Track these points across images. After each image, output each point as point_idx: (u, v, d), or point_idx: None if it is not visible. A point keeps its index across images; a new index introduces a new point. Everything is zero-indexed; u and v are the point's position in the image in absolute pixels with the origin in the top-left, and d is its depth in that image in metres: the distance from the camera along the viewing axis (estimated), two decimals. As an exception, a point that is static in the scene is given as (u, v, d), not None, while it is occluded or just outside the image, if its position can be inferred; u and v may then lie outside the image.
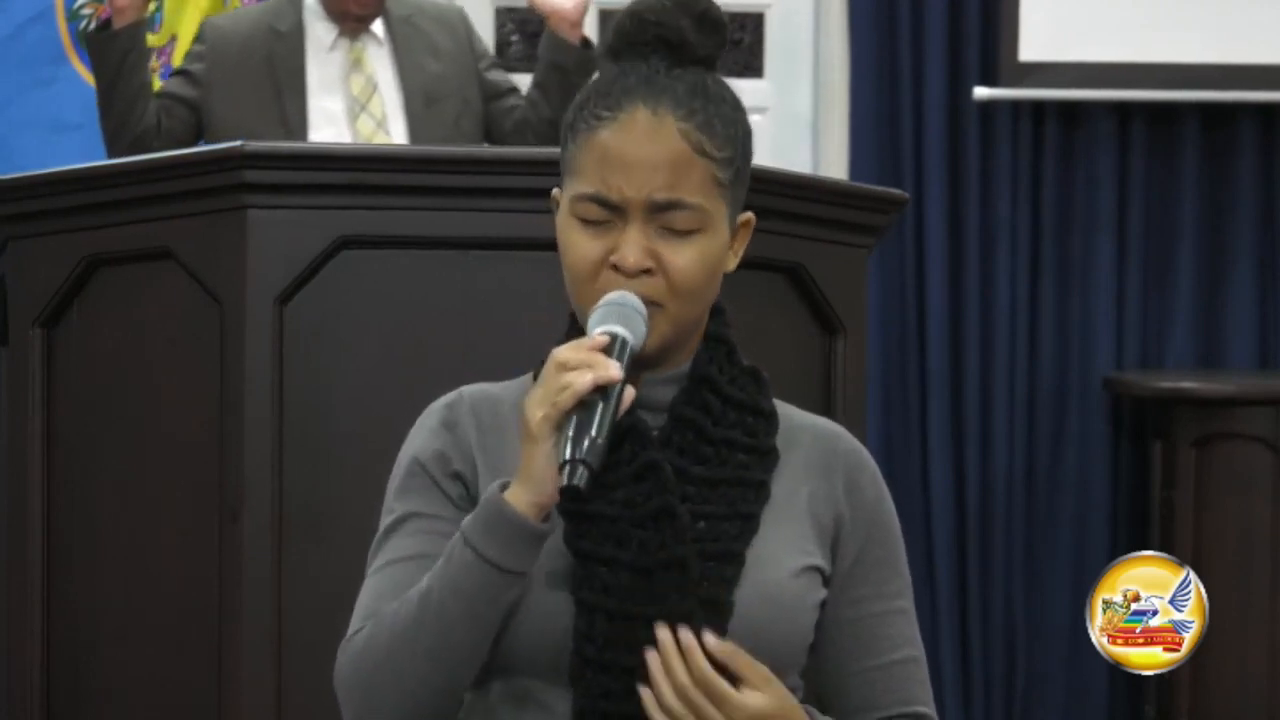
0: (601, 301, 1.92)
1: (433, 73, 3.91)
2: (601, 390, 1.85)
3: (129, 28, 3.78)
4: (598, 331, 1.89)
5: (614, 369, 1.85)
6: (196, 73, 3.90)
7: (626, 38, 2.00)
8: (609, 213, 1.94)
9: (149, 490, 2.78)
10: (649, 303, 1.93)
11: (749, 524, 1.95)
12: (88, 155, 4.00)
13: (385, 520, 1.99)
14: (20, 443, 2.89)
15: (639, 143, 1.94)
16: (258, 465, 2.66)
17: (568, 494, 1.83)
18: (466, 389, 2.03)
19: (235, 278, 2.69)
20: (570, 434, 1.83)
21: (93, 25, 4.55)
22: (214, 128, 3.85)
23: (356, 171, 2.74)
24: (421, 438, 1.99)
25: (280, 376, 2.68)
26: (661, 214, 1.93)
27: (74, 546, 2.86)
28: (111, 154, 3.83)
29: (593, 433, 1.83)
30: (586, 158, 1.95)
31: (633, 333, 1.90)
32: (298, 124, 3.83)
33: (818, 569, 1.98)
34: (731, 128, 1.97)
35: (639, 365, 1.91)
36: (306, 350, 2.69)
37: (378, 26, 3.93)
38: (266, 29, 3.90)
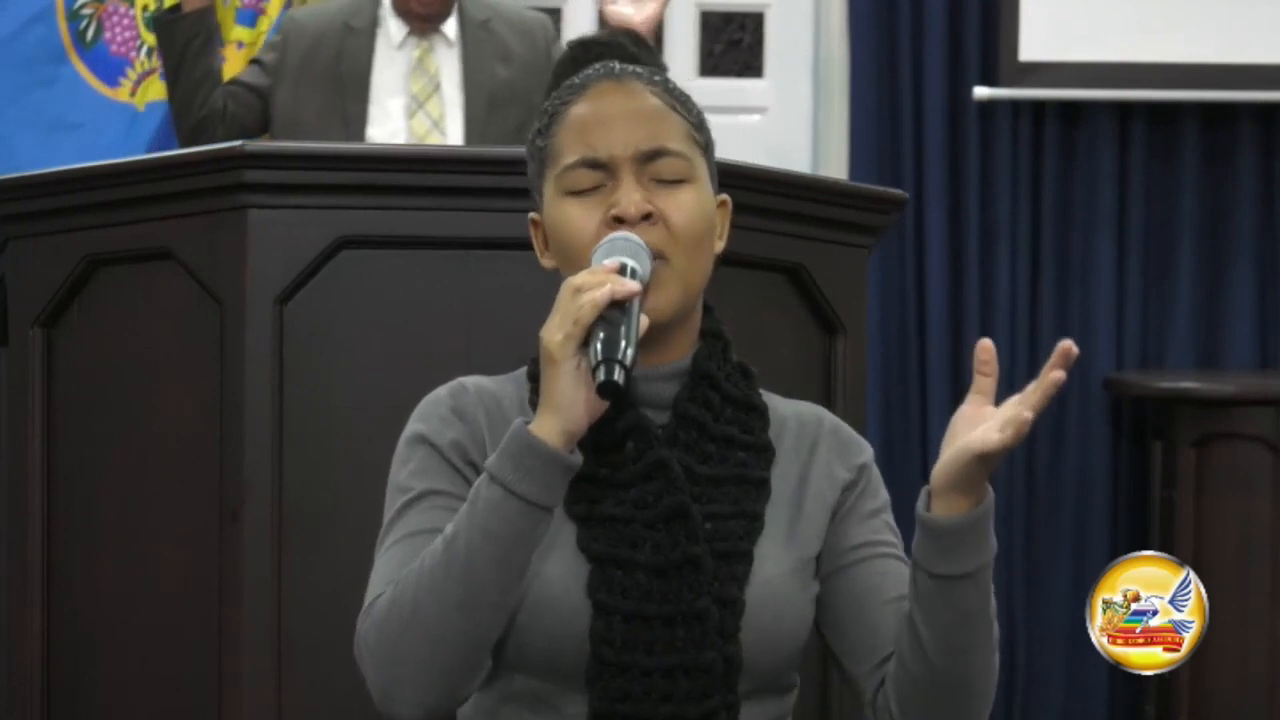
0: (603, 240, 1.92)
1: (501, 78, 3.92)
2: (620, 306, 1.83)
3: (197, 12, 3.82)
4: (607, 261, 1.88)
5: (631, 284, 1.84)
6: (268, 63, 3.96)
7: (573, 65, 2.04)
8: (599, 175, 1.95)
9: (149, 490, 2.78)
10: (655, 256, 1.92)
11: (754, 523, 1.95)
12: (88, 155, 4.00)
13: (400, 498, 1.96)
14: (20, 443, 2.89)
15: (614, 104, 1.97)
16: (258, 465, 2.66)
17: (606, 389, 1.80)
18: (467, 379, 2.02)
19: (235, 278, 2.69)
20: (599, 342, 1.81)
21: (91, 26, 4.55)
22: (276, 119, 3.93)
23: (356, 171, 2.74)
24: (432, 424, 1.97)
25: (280, 376, 2.68)
26: (651, 164, 1.95)
27: (74, 546, 2.86)
28: (177, 135, 3.91)
29: (622, 339, 1.81)
30: (564, 136, 1.97)
31: (641, 267, 1.89)
32: (357, 122, 3.87)
33: (814, 559, 1.99)
34: (694, 104, 2.02)
35: (649, 333, 1.90)
36: (306, 350, 2.69)
37: (450, 28, 3.96)
38: (341, 25, 3.95)
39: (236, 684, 2.66)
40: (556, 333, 1.83)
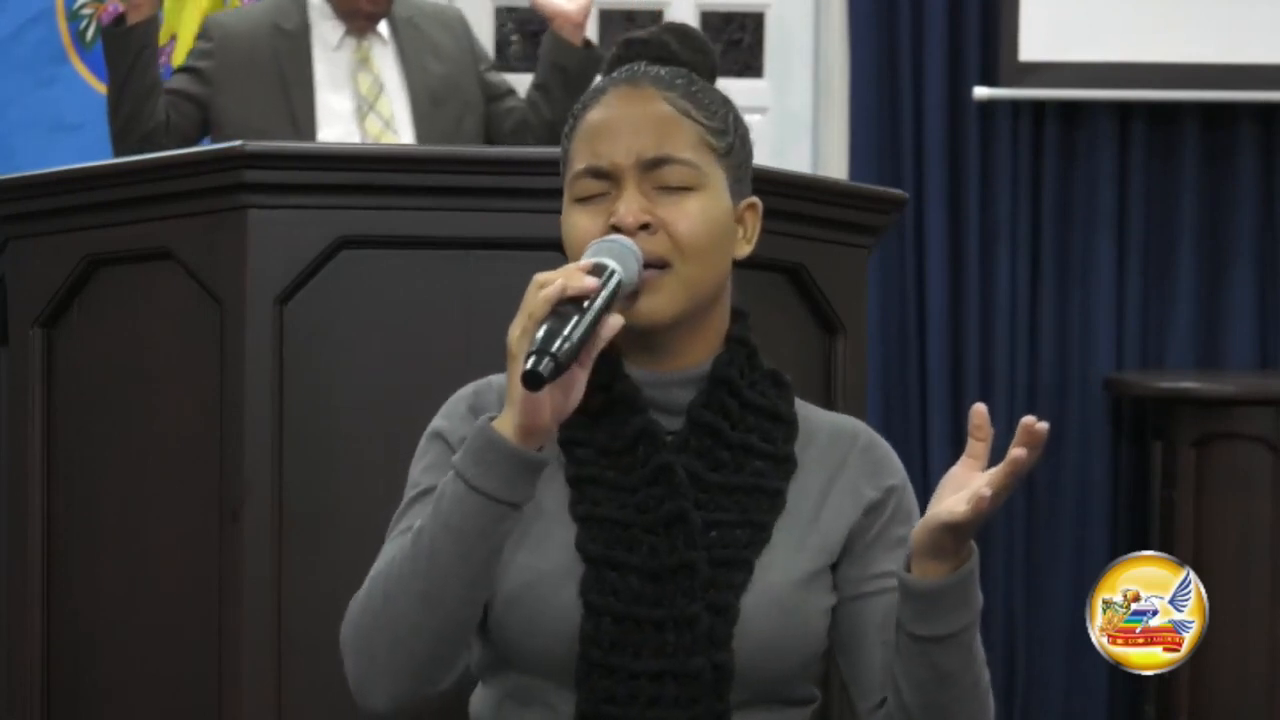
0: (594, 241, 1.92)
1: (437, 74, 3.91)
2: (576, 303, 1.83)
3: (142, 24, 3.78)
4: (583, 260, 1.89)
5: (587, 280, 1.84)
6: (204, 70, 3.89)
7: (618, 64, 2.04)
8: (603, 183, 1.95)
9: (149, 490, 2.78)
10: (657, 264, 1.92)
11: (760, 533, 1.94)
12: (88, 155, 4.00)
13: (409, 493, 1.99)
14: (20, 443, 2.89)
15: (622, 111, 1.97)
16: (258, 465, 2.66)
17: (526, 379, 1.80)
18: (495, 377, 2.03)
19: (235, 278, 2.69)
20: (540, 334, 1.81)
21: (91, 26, 4.55)
22: (222, 125, 3.84)
23: (356, 171, 2.74)
24: (450, 420, 2.00)
25: (280, 376, 2.68)
26: (653, 171, 1.94)
27: (74, 546, 2.86)
28: (119, 150, 3.83)
29: (565, 332, 1.81)
30: (578, 143, 1.98)
31: (624, 268, 1.89)
32: (305, 122, 3.82)
33: (829, 570, 1.98)
34: (721, 106, 2.00)
35: (656, 338, 1.92)
36: (306, 350, 2.69)
37: (382, 27, 3.93)
38: (271, 27, 3.89)
39: (236, 684, 2.66)
40: (515, 327, 1.84)
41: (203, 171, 2.75)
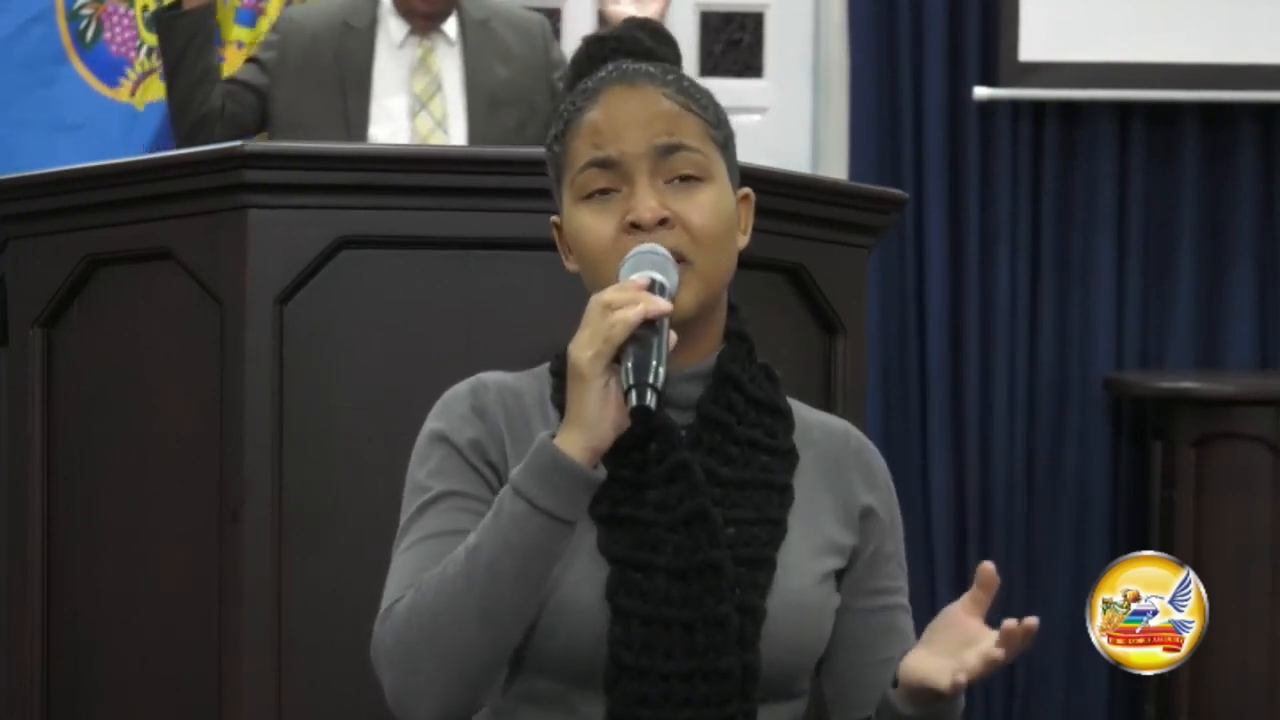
0: (629, 254, 1.90)
1: (501, 77, 3.92)
2: (651, 325, 1.82)
3: (198, 9, 3.82)
4: (635, 276, 1.87)
5: (663, 302, 1.83)
6: (266, 61, 3.95)
7: (588, 61, 2.02)
8: (612, 176, 1.93)
9: (149, 490, 2.78)
10: (675, 259, 1.91)
11: (777, 529, 1.94)
12: (88, 155, 3.99)
13: (418, 497, 1.95)
14: (20, 443, 2.89)
15: (627, 109, 1.95)
16: (258, 465, 2.66)
17: (639, 414, 1.79)
18: (487, 375, 2.00)
19: (235, 278, 2.69)
20: (631, 363, 1.80)
21: (91, 26, 4.55)
22: (276, 118, 3.90)
23: (356, 171, 2.74)
24: (452, 422, 1.96)
25: (280, 376, 2.68)
26: (666, 160, 1.93)
27: (74, 546, 2.86)
28: (175, 133, 3.92)
29: (653, 360, 1.80)
30: (577, 143, 1.96)
31: (668, 280, 1.88)
32: (359, 121, 3.86)
33: (836, 573, 1.99)
34: (711, 101, 2.00)
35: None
36: (306, 350, 2.69)
37: (450, 27, 3.95)
38: (340, 25, 3.93)
39: (236, 684, 2.66)
40: (586, 349, 1.82)
41: (203, 171, 2.75)
